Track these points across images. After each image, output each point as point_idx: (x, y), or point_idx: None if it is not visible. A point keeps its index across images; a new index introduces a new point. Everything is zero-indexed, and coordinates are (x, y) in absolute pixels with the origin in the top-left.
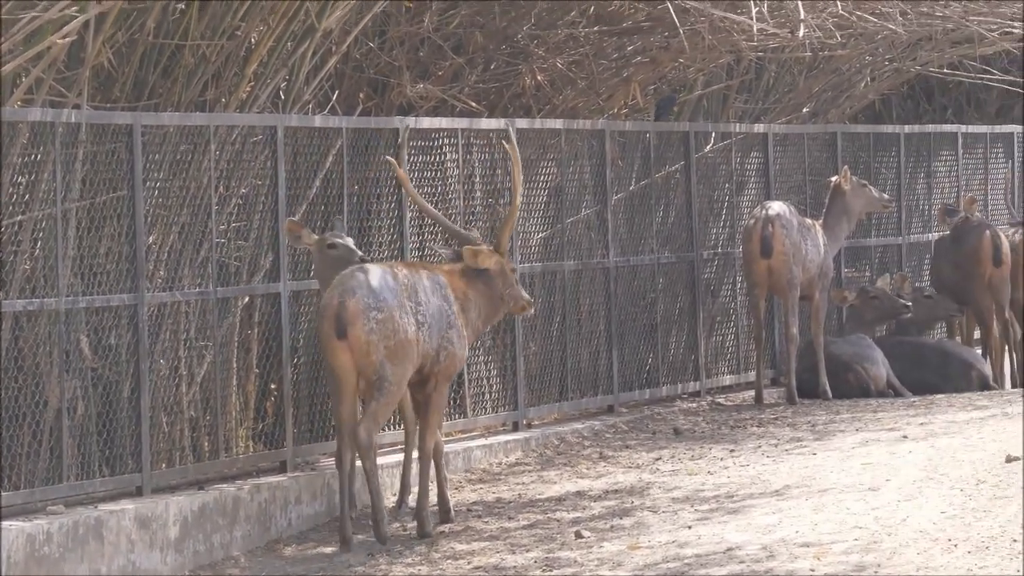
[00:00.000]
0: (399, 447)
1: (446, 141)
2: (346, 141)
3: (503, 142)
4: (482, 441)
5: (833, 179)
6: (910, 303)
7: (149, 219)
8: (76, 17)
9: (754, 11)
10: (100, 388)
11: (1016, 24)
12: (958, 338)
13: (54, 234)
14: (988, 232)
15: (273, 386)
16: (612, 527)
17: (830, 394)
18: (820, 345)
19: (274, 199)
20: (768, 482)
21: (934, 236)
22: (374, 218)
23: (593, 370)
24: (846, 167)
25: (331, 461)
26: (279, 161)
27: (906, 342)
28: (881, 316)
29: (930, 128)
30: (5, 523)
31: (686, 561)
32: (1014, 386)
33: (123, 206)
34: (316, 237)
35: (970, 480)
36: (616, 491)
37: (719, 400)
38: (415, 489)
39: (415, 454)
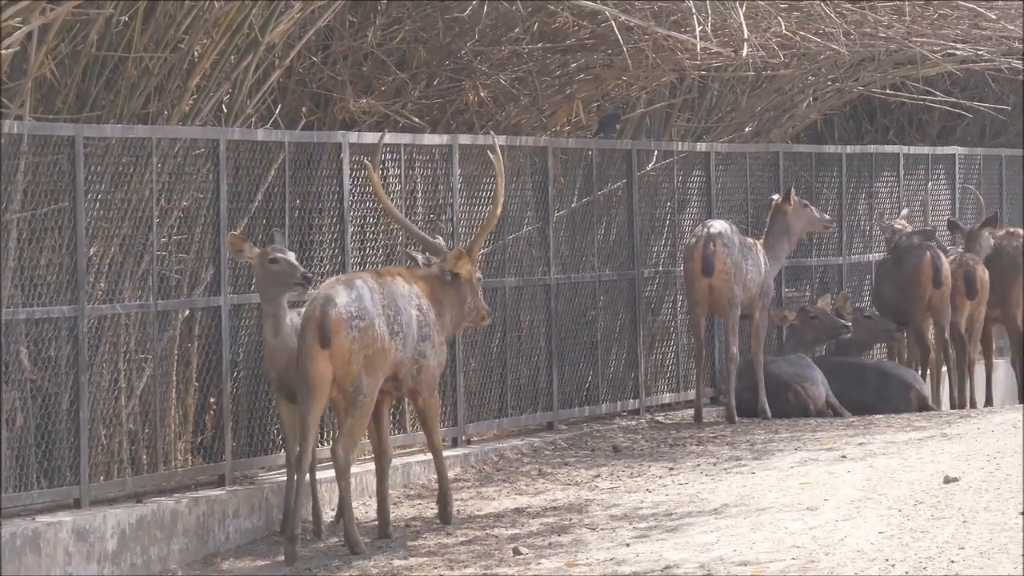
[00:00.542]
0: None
1: (388, 156)
2: (288, 155)
3: (488, 152)
4: (422, 457)
5: (775, 197)
6: (850, 323)
7: (90, 231)
8: (19, 28)
9: (698, 30)
10: (39, 400)
11: (959, 46)
12: (897, 359)
13: None
14: (929, 253)
15: (212, 399)
16: (550, 544)
17: (769, 413)
18: (760, 364)
19: (216, 212)
20: (707, 500)
21: (875, 257)
22: (315, 232)
23: (533, 387)
24: (791, 187)
25: (270, 475)
26: (221, 174)
27: (846, 362)
28: (821, 336)
29: (872, 149)
30: None
31: None
32: (952, 407)
33: (64, 218)
34: (258, 251)
35: (908, 501)
36: (555, 508)
37: (659, 418)
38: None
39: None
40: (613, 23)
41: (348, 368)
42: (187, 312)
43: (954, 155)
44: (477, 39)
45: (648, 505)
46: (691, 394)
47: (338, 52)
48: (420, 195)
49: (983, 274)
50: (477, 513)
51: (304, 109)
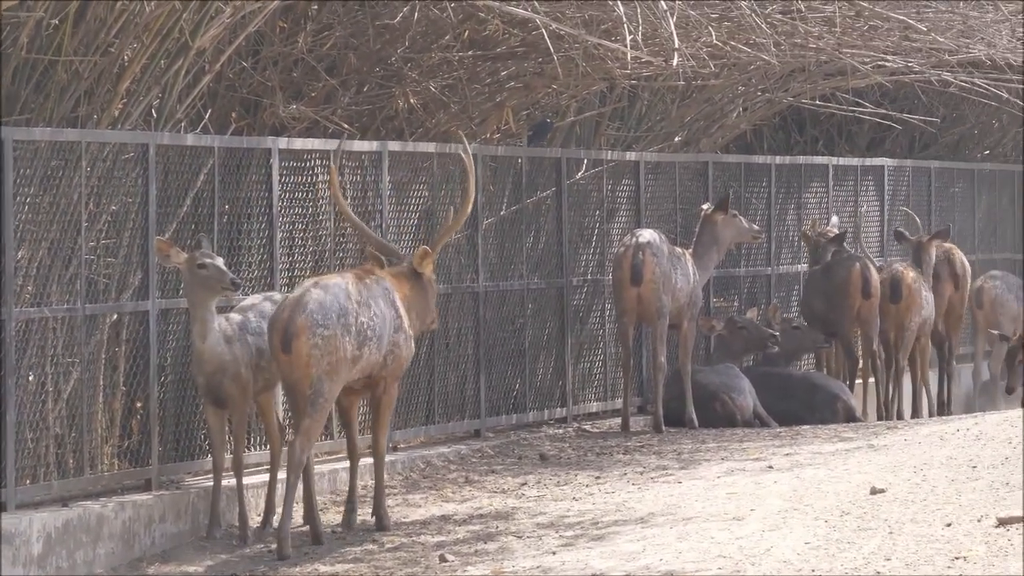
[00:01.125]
0: (265, 467)
1: (318, 162)
2: (217, 160)
3: (460, 153)
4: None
5: (705, 206)
6: (778, 334)
7: (18, 234)
8: None
9: (628, 39)
10: None
11: (889, 58)
12: (825, 370)
13: None
14: (858, 264)
15: (139, 404)
16: (476, 551)
17: (696, 423)
18: (688, 374)
19: (144, 217)
20: (633, 509)
21: (803, 268)
22: (244, 238)
23: (460, 394)
24: (729, 193)
25: (196, 480)
26: (150, 179)
27: (773, 373)
28: (749, 346)
29: (801, 159)
30: None
31: None
32: (879, 418)
33: None
34: (185, 256)
35: (835, 511)
36: (481, 515)
37: (586, 427)
38: (279, 509)
39: (281, 474)
40: (544, 31)
41: (306, 371)
42: (115, 316)
43: (883, 167)
44: (407, 46)
45: (574, 513)
46: (618, 403)
47: (268, 57)
48: (349, 201)
49: (913, 281)
50: (403, 520)
51: (234, 114)
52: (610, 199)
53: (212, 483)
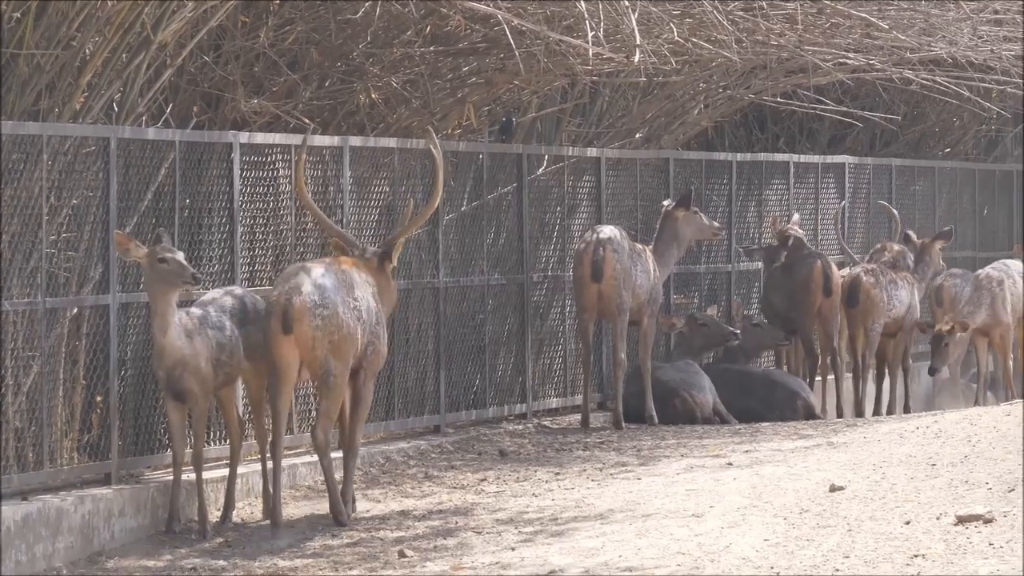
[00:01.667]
0: (224, 461)
1: (279, 157)
2: (179, 154)
3: (430, 147)
4: (308, 458)
5: (666, 203)
6: (738, 331)
7: None
8: None
9: (590, 35)
10: None
11: (850, 55)
12: (785, 367)
13: None
14: (819, 262)
15: (99, 398)
16: (436, 547)
17: (656, 419)
18: (647, 370)
19: (105, 211)
20: (592, 506)
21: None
22: (205, 232)
23: (420, 390)
24: (691, 190)
25: (156, 474)
26: (111, 173)
27: (733, 370)
28: (709, 343)
29: (762, 156)
30: None
31: None
32: (839, 416)
33: None
34: (145, 250)
35: (794, 509)
36: (440, 511)
37: (545, 423)
38: (239, 504)
39: (241, 468)
40: (505, 27)
41: (313, 354)
42: (75, 310)
43: (844, 164)
44: (369, 41)
45: (534, 509)
46: (578, 399)
47: (230, 52)
48: (310, 196)
49: (872, 286)
50: (362, 515)
51: (195, 108)
52: (571, 195)
53: (172, 477)
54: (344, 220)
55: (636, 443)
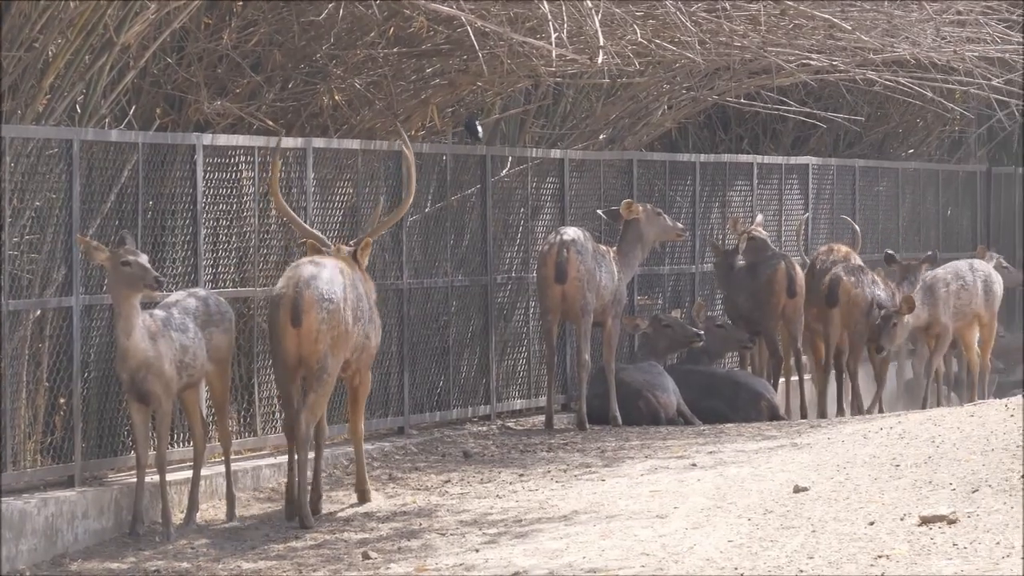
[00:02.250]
0: (188, 464)
1: (242, 159)
2: (142, 156)
3: (402, 147)
4: (271, 460)
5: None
6: (702, 332)
7: None
8: None
9: (553, 36)
10: None
11: (814, 56)
12: (749, 368)
13: None
14: (783, 263)
15: (63, 400)
16: (400, 549)
17: (620, 420)
18: (611, 372)
19: (68, 213)
20: (556, 507)
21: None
22: (168, 234)
23: (384, 391)
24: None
25: (120, 476)
26: (74, 175)
27: (697, 371)
28: (673, 344)
29: (726, 158)
30: None
31: None
32: (802, 417)
33: None
34: (108, 253)
35: (758, 509)
36: (404, 513)
37: (509, 424)
38: (203, 506)
39: (204, 471)
40: (469, 28)
41: (315, 347)
42: (38, 312)
43: (808, 165)
44: (332, 43)
45: (498, 511)
46: (542, 400)
47: (193, 54)
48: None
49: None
50: (326, 517)
51: (158, 110)
52: (535, 197)
53: (135, 479)
54: (308, 221)
55: (600, 444)
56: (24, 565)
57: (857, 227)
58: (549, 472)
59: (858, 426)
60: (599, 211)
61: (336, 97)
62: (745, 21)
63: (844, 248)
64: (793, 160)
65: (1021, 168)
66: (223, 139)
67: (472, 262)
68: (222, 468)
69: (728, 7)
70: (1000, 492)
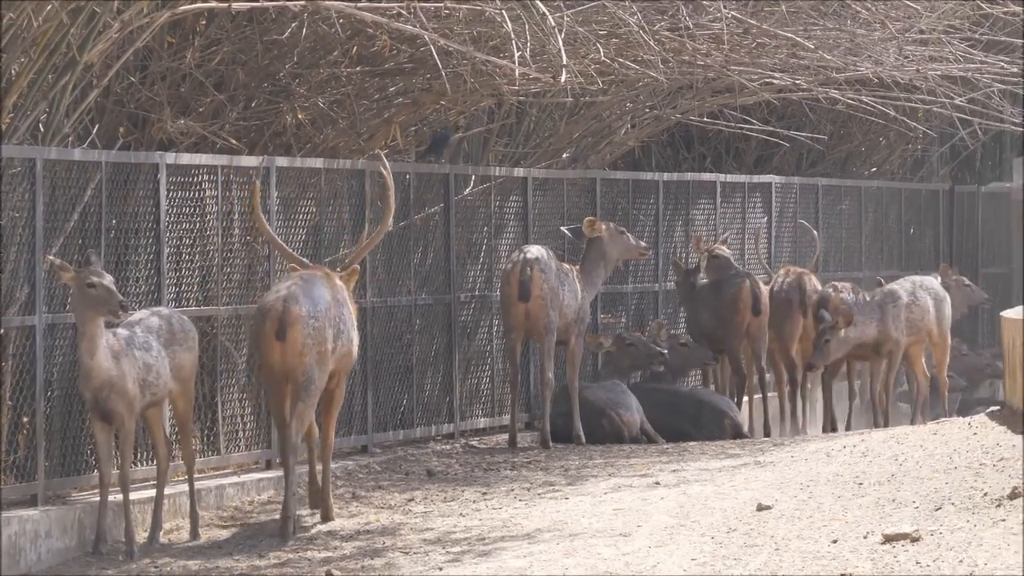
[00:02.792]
0: (151, 482)
1: (206, 178)
2: (105, 175)
3: (380, 168)
4: (235, 479)
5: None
6: (666, 350)
7: None
8: None
9: (516, 55)
10: None
11: (776, 75)
12: (712, 386)
13: None
14: (748, 282)
15: (26, 419)
16: (363, 567)
17: (584, 439)
18: (575, 390)
19: (31, 231)
20: (520, 525)
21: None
22: (131, 253)
23: (348, 410)
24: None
25: (83, 495)
26: (37, 194)
27: (660, 389)
28: (637, 363)
29: (689, 176)
30: None
31: None
32: (766, 435)
33: None
34: (74, 273)
35: (721, 528)
36: (367, 531)
37: (473, 442)
38: (166, 525)
39: (168, 489)
40: (432, 47)
41: (300, 360)
42: (1, 331)
43: (771, 183)
44: (295, 61)
45: (461, 529)
46: (506, 419)
47: (156, 72)
48: (237, 217)
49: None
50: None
51: (122, 129)
52: (498, 215)
53: (99, 498)
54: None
55: (564, 463)
56: None
57: (816, 232)
58: (513, 490)
59: (821, 444)
60: (563, 229)
61: (299, 116)
62: (708, 40)
63: (799, 269)
64: (756, 179)
65: (983, 187)
66: (186, 158)
67: (436, 280)
68: (185, 487)
69: (691, 26)
70: (963, 510)
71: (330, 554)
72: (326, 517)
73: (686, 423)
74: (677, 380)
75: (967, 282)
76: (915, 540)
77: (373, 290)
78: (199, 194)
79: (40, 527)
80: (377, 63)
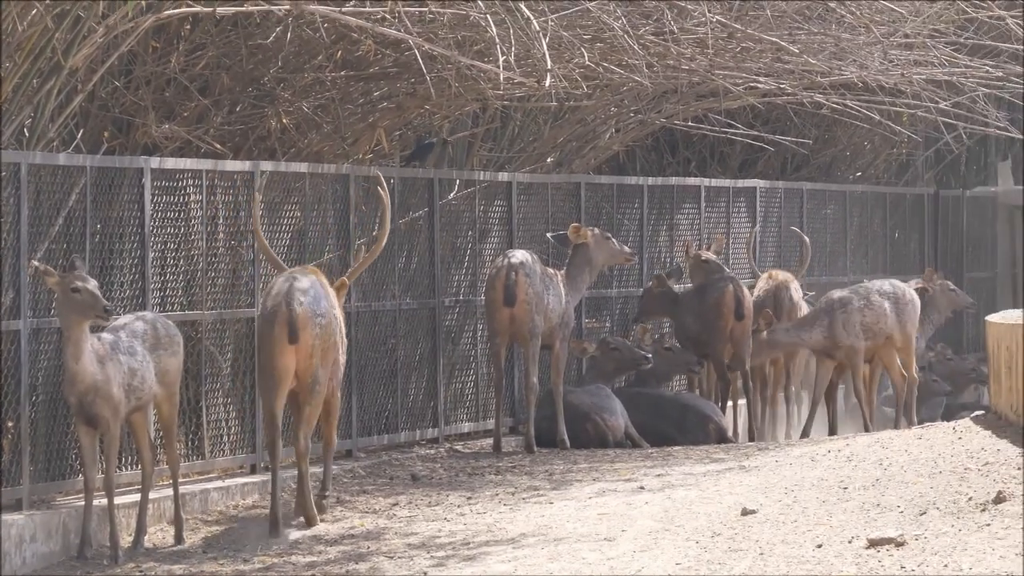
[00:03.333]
0: (136, 487)
1: (190, 182)
2: (90, 180)
3: (377, 187)
4: (219, 483)
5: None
6: (650, 355)
7: None
8: None
9: (501, 60)
10: None
11: (761, 79)
12: (697, 390)
13: None
14: (731, 286)
15: (11, 423)
16: (348, 572)
17: (568, 443)
18: (559, 394)
19: (16, 236)
20: (504, 530)
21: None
22: (116, 257)
23: None
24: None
25: (68, 499)
26: (22, 198)
27: (645, 393)
28: (621, 367)
29: (673, 181)
30: None
31: None
32: (750, 439)
33: None
34: (59, 278)
35: (706, 532)
36: (352, 536)
37: (457, 447)
38: (151, 529)
39: (152, 494)
40: (417, 52)
41: (310, 362)
42: None
43: (755, 188)
44: (280, 66)
45: (446, 534)
46: (490, 423)
47: (141, 77)
48: (221, 221)
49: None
50: (274, 540)
51: (106, 134)
52: (483, 219)
53: (83, 503)
54: (256, 245)
55: (548, 467)
56: None
57: (807, 238)
58: (497, 495)
59: (806, 449)
60: (548, 235)
61: (284, 120)
62: (693, 44)
63: (782, 274)
64: (741, 183)
65: (968, 191)
66: (171, 162)
67: (420, 285)
68: (170, 491)
69: (676, 30)
70: (948, 514)
71: (315, 558)
72: (311, 522)
73: (671, 427)
74: (662, 384)
75: (952, 286)
76: (900, 545)
77: (357, 294)
78: (184, 199)
79: (25, 531)
80: (362, 67)
